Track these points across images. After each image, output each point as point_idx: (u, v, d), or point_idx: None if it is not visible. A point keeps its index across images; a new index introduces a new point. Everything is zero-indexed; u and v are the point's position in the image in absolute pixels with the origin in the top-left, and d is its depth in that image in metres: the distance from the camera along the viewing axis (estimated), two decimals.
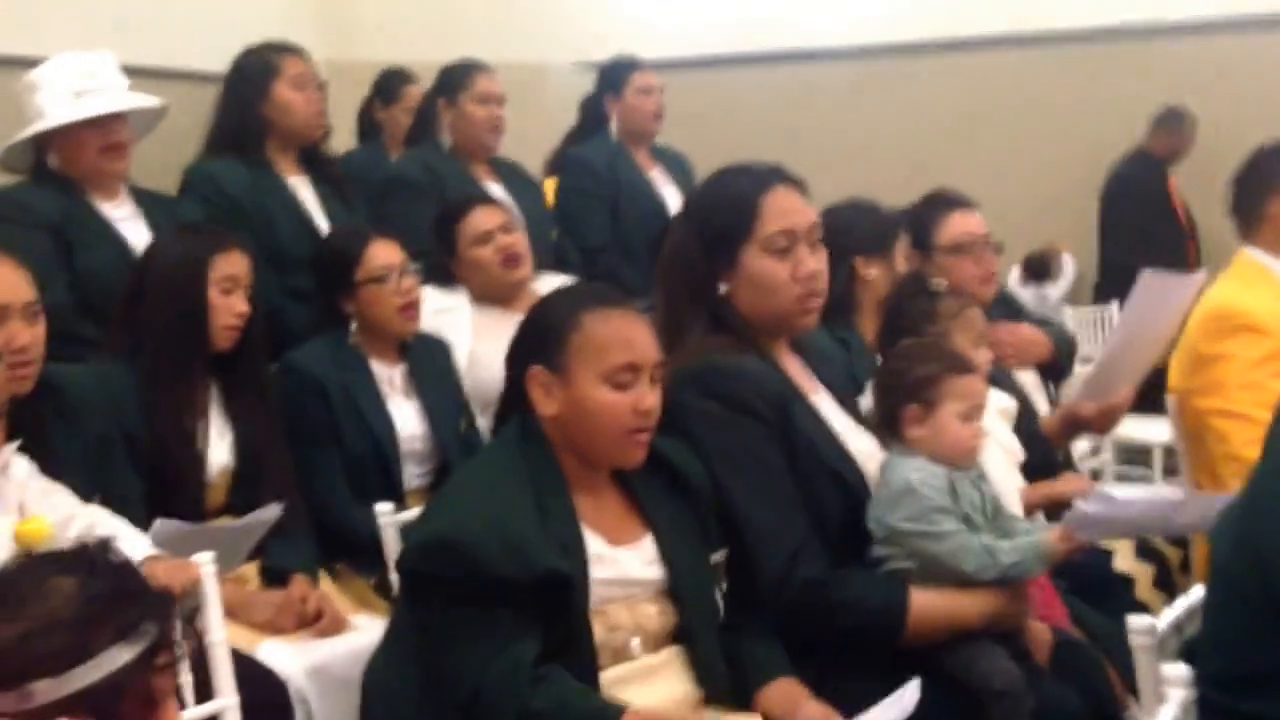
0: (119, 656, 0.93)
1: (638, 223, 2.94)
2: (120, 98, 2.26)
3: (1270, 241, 2.05)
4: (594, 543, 1.36)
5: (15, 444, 1.56)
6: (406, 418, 2.15)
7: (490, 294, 2.40)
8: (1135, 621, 1.23)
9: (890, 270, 2.11)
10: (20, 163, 2.29)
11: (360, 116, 3.52)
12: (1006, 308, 2.47)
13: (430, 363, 2.23)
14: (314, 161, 2.59)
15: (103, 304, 2.06)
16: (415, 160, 2.80)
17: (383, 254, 2.15)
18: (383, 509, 1.85)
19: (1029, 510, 1.82)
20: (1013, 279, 4.48)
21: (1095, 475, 2.84)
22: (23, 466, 1.56)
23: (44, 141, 2.24)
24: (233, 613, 1.80)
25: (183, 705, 1.41)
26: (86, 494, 1.66)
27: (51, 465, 1.64)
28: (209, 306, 1.89)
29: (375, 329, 2.16)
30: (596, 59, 3.45)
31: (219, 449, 1.92)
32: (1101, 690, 1.56)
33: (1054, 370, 2.39)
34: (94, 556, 0.99)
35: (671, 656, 1.39)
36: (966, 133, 4.63)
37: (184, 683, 1.44)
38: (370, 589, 2.01)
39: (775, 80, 4.84)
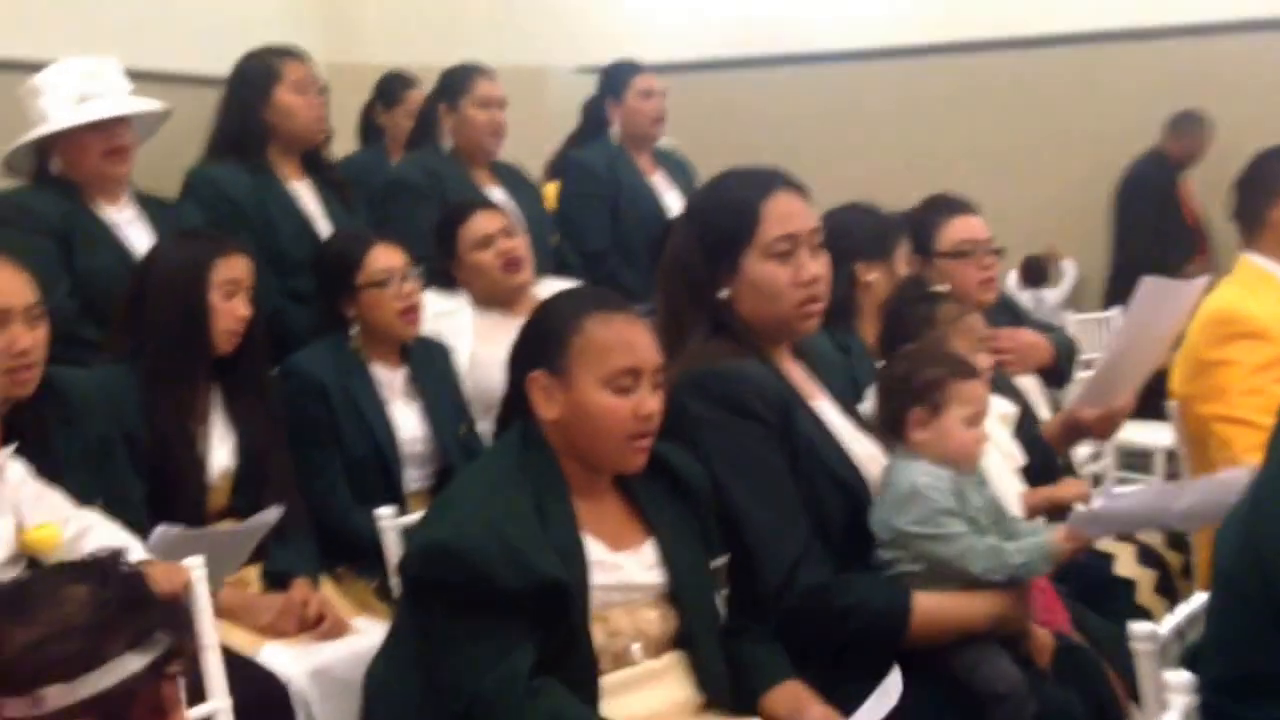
0: (130, 664, 0.93)
1: (638, 226, 2.94)
2: (123, 102, 2.26)
3: (1272, 247, 2.05)
4: (595, 548, 1.36)
5: (11, 447, 1.56)
6: (407, 421, 2.15)
7: (491, 298, 2.40)
8: (1137, 627, 1.23)
9: (891, 274, 2.11)
10: (23, 166, 2.29)
11: (362, 120, 3.53)
12: (1008, 312, 2.47)
13: (431, 366, 2.23)
14: (315, 165, 2.60)
15: (105, 307, 2.06)
16: (416, 164, 2.80)
17: (384, 258, 2.15)
18: (384, 512, 1.85)
19: (1030, 515, 1.82)
20: (1010, 283, 4.48)
21: (1096, 480, 2.85)
22: (18, 469, 1.57)
23: (47, 145, 2.25)
24: (234, 616, 1.81)
25: None
26: (88, 496, 1.66)
27: (53, 467, 1.64)
28: (210, 310, 1.89)
29: (376, 332, 2.16)
30: (597, 62, 3.46)
31: (220, 452, 1.93)
32: (1103, 695, 1.55)
33: (1055, 375, 2.39)
34: (107, 565, 1.00)
35: (672, 661, 1.39)
36: (969, 136, 4.64)
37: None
38: (371, 592, 2.01)
39: (776, 83, 4.85)
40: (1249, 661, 1.13)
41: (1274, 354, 1.95)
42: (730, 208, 1.56)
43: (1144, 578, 1.99)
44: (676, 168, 3.19)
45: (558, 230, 2.99)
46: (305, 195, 2.55)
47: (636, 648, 1.36)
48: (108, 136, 2.23)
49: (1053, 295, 4.65)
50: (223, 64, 2.60)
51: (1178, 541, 2.12)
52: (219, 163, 2.50)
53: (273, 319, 2.23)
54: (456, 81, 2.80)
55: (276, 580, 1.90)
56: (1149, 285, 2.01)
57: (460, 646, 1.27)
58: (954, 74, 4.69)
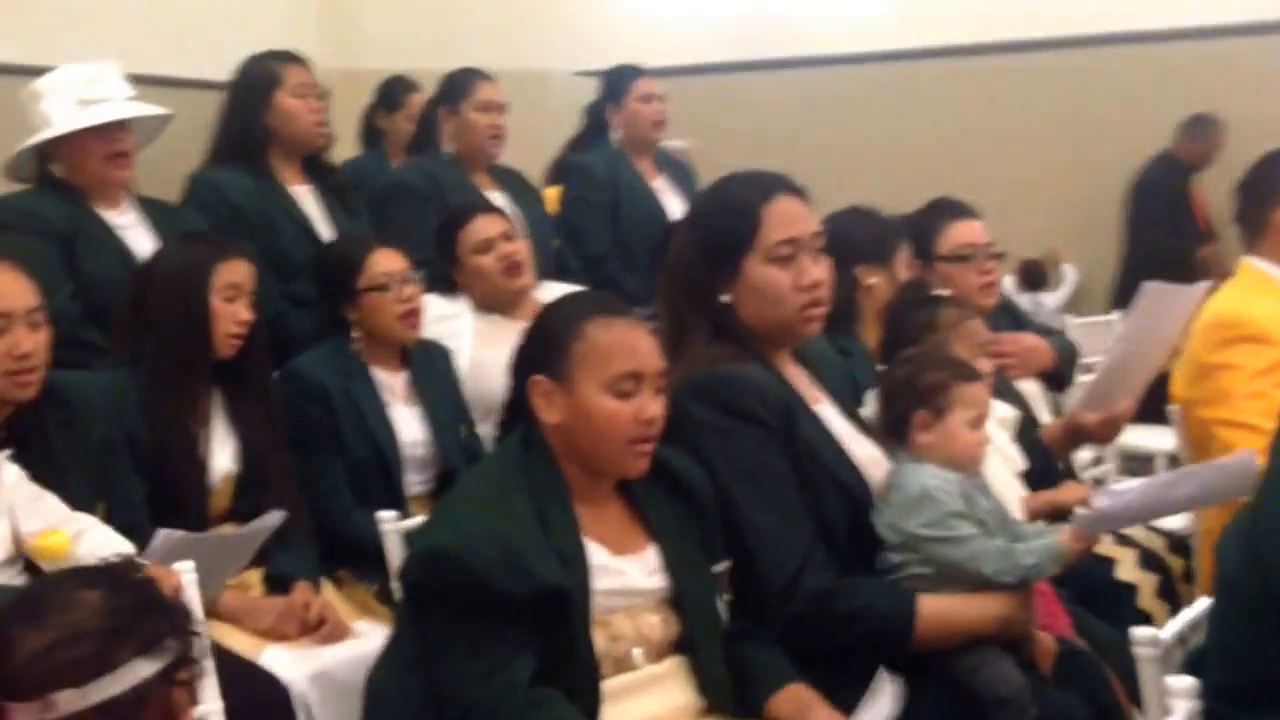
0: (141, 669, 0.94)
1: (639, 230, 2.95)
2: (125, 106, 2.27)
3: (1274, 250, 2.05)
4: (596, 553, 1.35)
5: (7, 452, 1.56)
6: (408, 425, 2.15)
7: (492, 302, 2.41)
8: (1139, 633, 1.23)
9: (892, 278, 2.11)
10: (25, 171, 2.30)
11: (363, 124, 3.53)
12: (1009, 316, 2.47)
13: (432, 370, 2.23)
14: (317, 170, 2.60)
15: (108, 311, 2.07)
16: (417, 168, 2.80)
17: (384, 262, 2.15)
18: (385, 516, 1.85)
19: (1030, 519, 1.82)
20: (1008, 287, 4.47)
21: (1098, 484, 2.84)
22: (13, 472, 1.57)
23: (49, 150, 2.26)
24: (236, 619, 1.81)
25: None
26: (90, 499, 1.66)
27: (55, 470, 1.65)
28: (212, 314, 1.89)
29: (377, 336, 2.16)
30: (598, 66, 3.46)
31: (222, 456, 1.93)
32: (1105, 700, 1.55)
33: (1056, 379, 2.39)
34: (119, 571, 1.00)
35: (674, 666, 1.39)
36: (970, 140, 4.64)
37: None
38: (372, 596, 2.01)
39: (776, 87, 4.85)
40: (1251, 668, 1.12)
41: (1276, 358, 1.95)
42: (732, 212, 1.56)
43: (1145, 582, 1.99)
44: (678, 171, 3.20)
45: (558, 234, 2.99)
46: (306, 199, 2.56)
47: (638, 653, 1.36)
48: (109, 141, 2.23)
49: (1052, 299, 4.64)
50: (224, 69, 2.61)
51: (1179, 546, 2.12)
52: (221, 167, 2.50)
53: (274, 323, 2.23)
54: (457, 86, 2.80)
55: (278, 583, 1.90)
56: (1151, 290, 2.01)
57: (460, 654, 1.27)
58: (956, 78, 4.69)
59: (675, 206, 3.03)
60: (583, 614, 1.31)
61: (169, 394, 1.87)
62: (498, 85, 2.81)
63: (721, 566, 1.46)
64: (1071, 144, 4.57)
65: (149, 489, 1.84)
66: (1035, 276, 4.70)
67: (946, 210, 2.30)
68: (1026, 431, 2.03)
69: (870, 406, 1.70)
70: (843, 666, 1.43)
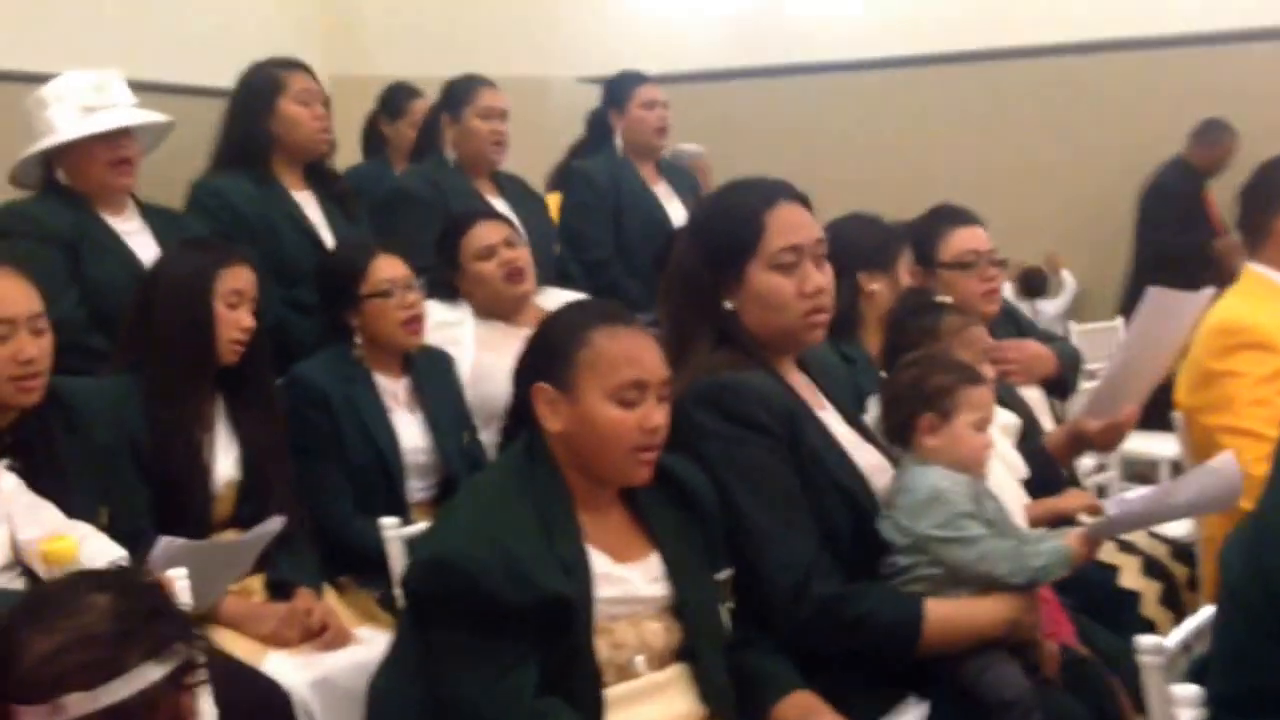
0: (151, 673, 0.94)
1: (641, 236, 2.95)
2: (129, 113, 2.28)
3: (1276, 257, 2.04)
4: (599, 561, 1.35)
5: (5, 462, 1.57)
6: (410, 431, 2.15)
7: (494, 308, 2.41)
8: (1144, 641, 1.23)
9: (894, 284, 2.11)
10: (30, 178, 2.31)
11: (365, 131, 3.54)
12: (1013, 323, 2.46)
13: (434, 376, 2.24)
14: (319, 176, 2.61)
15: (112, 317, 2.07)
16: (419, 175, 2.81)
17: (387, 268, 2.15)
18: (388, 522, 1.85)
19: (1033, 526, 1.81)
20: (1006, 294, 4.47)
21: (1101, 491, 2.83)
22: (11, 481, 1.57)
23: (54, 156, 2.26)
24: (238, 625, 1.81)
25: None
26: (93, 504, 1.66)
27: (59, 476, 1.65)
28: (215, 320, 1.90)
29: (379, 343, 2.16)
30: (600, 73, 3.47)
31: (224, 462, 1.93)
32: (1109, 708, 1.55)
33: (1059, 386, 2.38)
34: (128, 575, 1.00)
35: (676, 674, 1.38)
36: (972, 146, 4.64)
37: None
38: (374, 602, 2.01)
39: (778, 93, 4.86)
40: (1254, 675, 1.12)
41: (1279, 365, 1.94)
42: (734, 219, 1.56)
43: (1149, 590, 1.98)
44: (680, 178, 3.20)
45: (560, 240, 3.00)
46: (309, 206, 2.56)
47: (640, 660, 1.36)
48: (113, 148, 2.24)
49: (1052, 307, 4.64)
50: (227, 76, 2.62)
51: (1183, 553, 2.11)
52: (224, 173, 2.51)
53: (276, 329, 2.23)
54: (459, 92, 2.81)
55: (280, 589, 1.90)
56: (1155, 296, 2.01)
57: (463, 663, 1.27)
58: (958, 84, 4.70)
59: (677, 212, 3.03)
60: (585, 622, 1.31)
61: (172, 400, 1.87)
62: (500, 92, 2.82)
63: (724, 574, 1.45)
64: (1072, 150, 4.57)
65: (152, 495, 1.84)
66: (1034, 284, 4.70)
67: (948, 217, 2.30)
68: (1028, 439, 2.03)
69: (872, 413, 1.70)
70: (847, 672, 1.43)
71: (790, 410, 1.51)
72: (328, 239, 2.53)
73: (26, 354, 1.63)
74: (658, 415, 1.36)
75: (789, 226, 1.54)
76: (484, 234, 2.40)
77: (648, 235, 2.89)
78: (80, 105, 2.22)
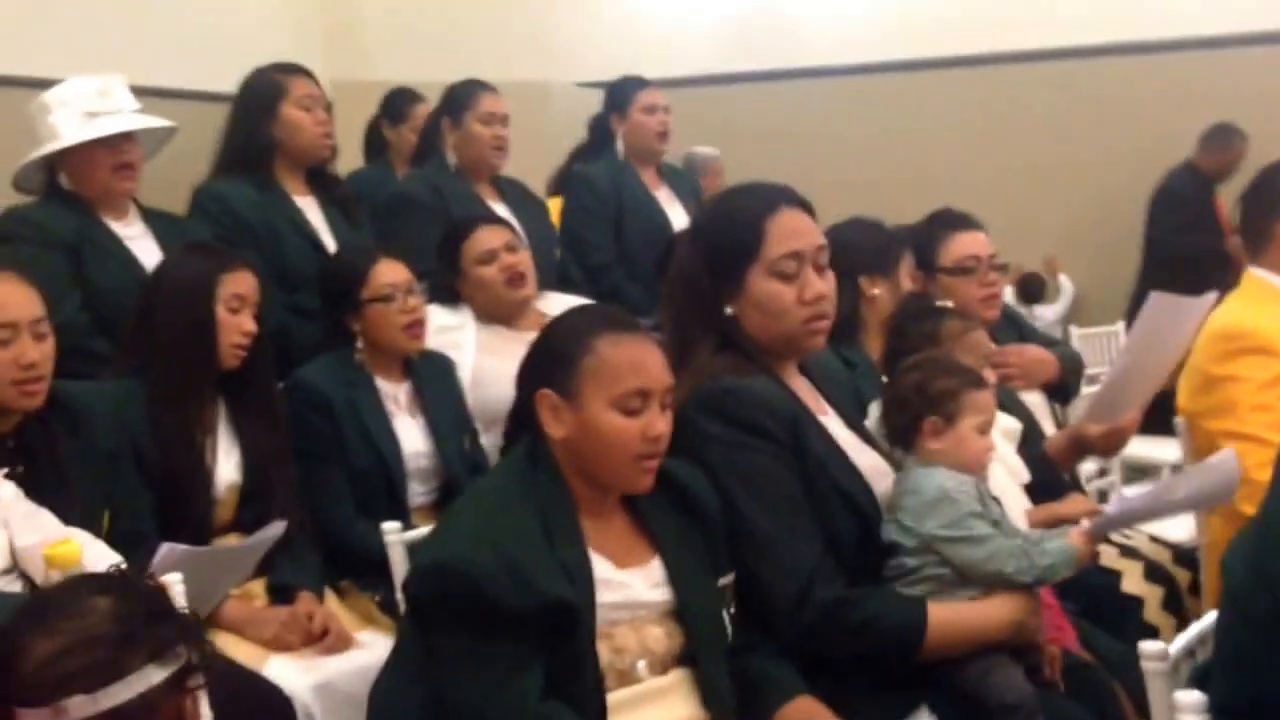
0: (152, 676, 0.94)
1: (642, 240, 2.95)
2: (132, 118, 2.29)
3: (1278, 261, 2.04)
4: (601, 566, 1.35)
5: (3, 470, 1.58)
6: (411, 435, 2.15)
7: (495, 312, 2.41)
8: (1148, 646, 1.23)
9: (895, 289, 2.10)
10: (33, 183, 2.31)
11: (367, 135, 3.55)
12: (1014, 328, 2.46)
13: (435, 380, 2.24)
14: (321, 181, 2.61)
15: (115, 321, 2.08)
16: (420, 179, 2.81)
17: (388, 273, 2.16)
18: (389, 527, 1.85)
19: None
20: (1007, 299, 4.47)
21: (1102, 496, 2.83)
22: (9, 489, 1.58)
23: (56, 161, 2.27)
24: (239, 629, 1.81)
25: None
26: (95, 508, 1.66)
27: (61, 480, 1.65)
28: (217, 324, 1.90)
29: (381, 347, 2.16)
30: (600, 77, 3.48)
31: (226, 466, 1.93)
32: (1111, 714, 1.54)
33: (1061, 391, 2.38)
34: (129, 578, 1.00)
35: (678, 679, 1.38)
36: (973, 150, 4.65)
37: None
38: (375, 606, 2.01)
39: (780, 97, 4.87)
40: (1257, 682, 1.12)
41: None
42: (735, 224, 1.56)
43: (1151, 594, 1.98)
44: (682, 183, 3.20)
45: (561, 244, 3.00)
46: (311, 211, 2.56)
47: (642, 665, 1.35)
48: (116, 153, 2.25)
49: (1051, 312, 4.64)
50: (229, 81, 2.62)
51: (1185, 558, 2.11)
52: (226, 178, 2.51)
53: (278, 334, 2.23)
54: (460, 97, 2.81)
55: (281, 593, 1.90)
56: (1157, 301, 2.00)
57: (466, 668, 1.26)
58: (959, 88, 4.71)
59: (679, 217, 3.03)
60: (587, 627, 1.31)
61: (174, 404, 1.87)
62: (500, 97, 2.82)
63: (727, 579, 1.45)
64: (1073, 154, 4.58)
65: (154, 498, 1.84)
66: (1032, 290, 4.70)
67: (949, 222, 2.30)
68: (1030, 444, 2.02)
69: (873, 416, 1.69)
70: (850, 677, 1.43)
71: (793, 415, 1.51)
72: (329, 243, 2.54)
73: (29, 358, 1.64)
74: (661, 424, 1.35)
75: (790, 233, 1.54)
76: (485, 239, 2.40)
77: (649, 240, 2.89)
78: (83, 110, 2.23)
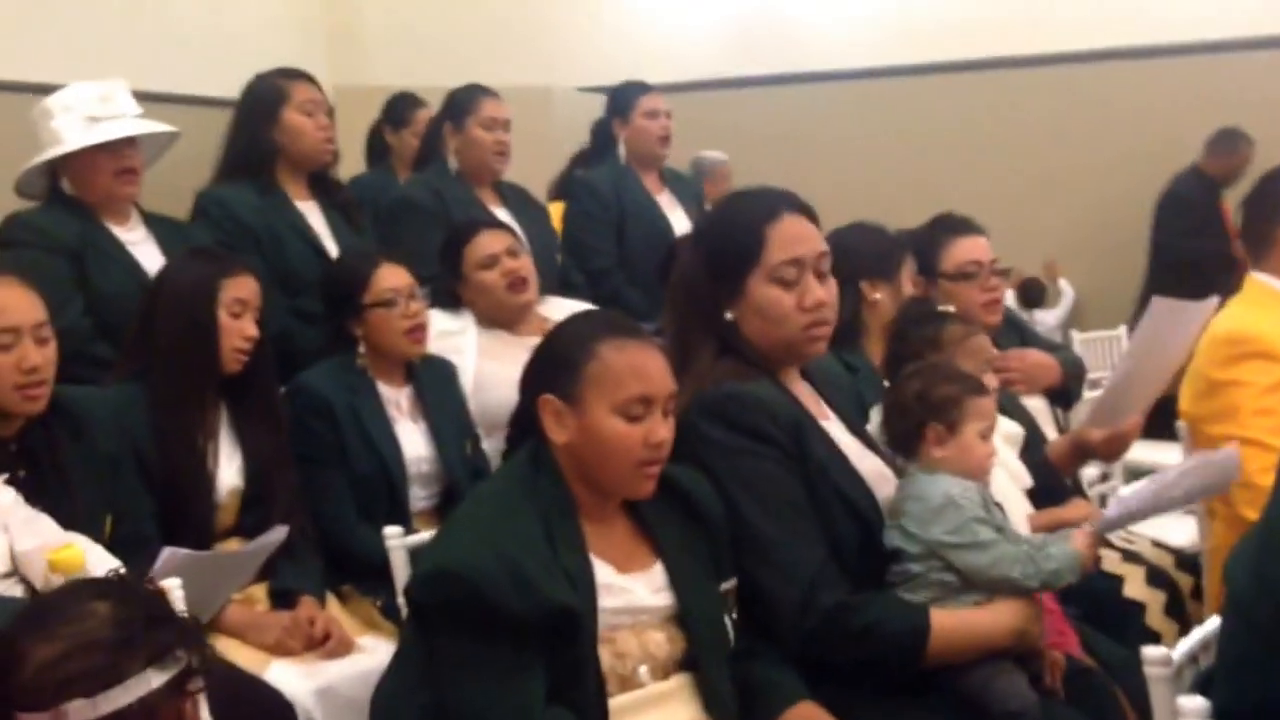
0: (152, 680, 0.94)
1: (644, 245, 2.95)
2: (134, 123, 2.29)
3: (1279, 266, 2.04)
4: (603, 571, 1.35)
5: (4, 476, 1.58)
6: (413, 440, 2.15)
7: (496, 317, 2.41)
8: (1150, 652, 1.22)
9: (897, 293, 2.10)
10: (35, 188, 2.32)
11: (369, 140, 3.55)
12: (1016, 332, 2.46)
13: (436, 385, 2.24)
14: (323, 186, 2.62)
15: (117, 326, 2.08)
16: (422, 184, 2.82)
17: (390, 278, 2.16)
18: (391, 532, 1.85)
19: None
20: (1009, 303, 4.47)
21: (1104, 501, 2.83)
22: (9, 495, 1.58)
23: (58, 166, 2.28)
24: (241, 634, 1.81)
25: None
26: (98, 513, 1.67)
27: (64, 484, 1.65)
28: (219, 329, 1.90)
29: (382, 351, 2.17)
30: (602, 82, 3.48)
31: (228, 471, 1.93)
32: (1113, 718, 1.54)
33: (1063, 396, 2.38)
34: (128, 583, 1.00)
35: (680, 684, 1.38)
36: (975, 154, 4.65)
37: None
38: (377, 610, 2.01)
39: (782, 101, 4.87)
40: (1260, 688, 1.12)
41: None
42: (736, 230, 1.56)
43: (1153, 600, 1.98)
44: (684, 188, 3.21)
45: (563, 249, 3.00)
46: (313, 215, 2.57)
47: (644, 670, 1.35)
48: (118, 158, 2.26)
49: (1051, 316, 4.64)
50: (231, 86, 2.63)
51: (1187, 563, 2.11)
52: (228, 183, 2.52)
53: (280, 338, 2.23)
54: (461, 102, 2.82)
55: (283, 598, 1.90)
56: (1159, 306, 2.00)
57: (469, 673, 1.26)
58: (961, 92, 4.71)
59: (680, 222, 3.04)
60: (590, 632, 1.30)
61: (176, 409, 1.87)
62: (502, 102, 2.83)
63: (729, 584, 1.45)
64: (1076, 159, 4.58)
65: (155, 503, 1.84)
66: (1032, 295, 4.70)
67: (950, 226, 2.30)
68: (1031, 448, 2.02)
69: (875, 421, 1.69)
70: (853, 682, 1.43)
71: (795, 420, 1.51)
72: (331, 248, 2.54)
73: (31, 362, 1.64)
74: (663, 430, 1.35)
75: (791, 239, 1.53)
76: (487, 243, 2.40)
77: (650, 245, 2.90)
78: (85, 115, 2.23)
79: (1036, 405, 2.28)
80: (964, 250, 2.24)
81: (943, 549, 1.47)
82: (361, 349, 2.16)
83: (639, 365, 1.35)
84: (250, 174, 2.50)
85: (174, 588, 1.51)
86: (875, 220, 2.23)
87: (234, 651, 1.78)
